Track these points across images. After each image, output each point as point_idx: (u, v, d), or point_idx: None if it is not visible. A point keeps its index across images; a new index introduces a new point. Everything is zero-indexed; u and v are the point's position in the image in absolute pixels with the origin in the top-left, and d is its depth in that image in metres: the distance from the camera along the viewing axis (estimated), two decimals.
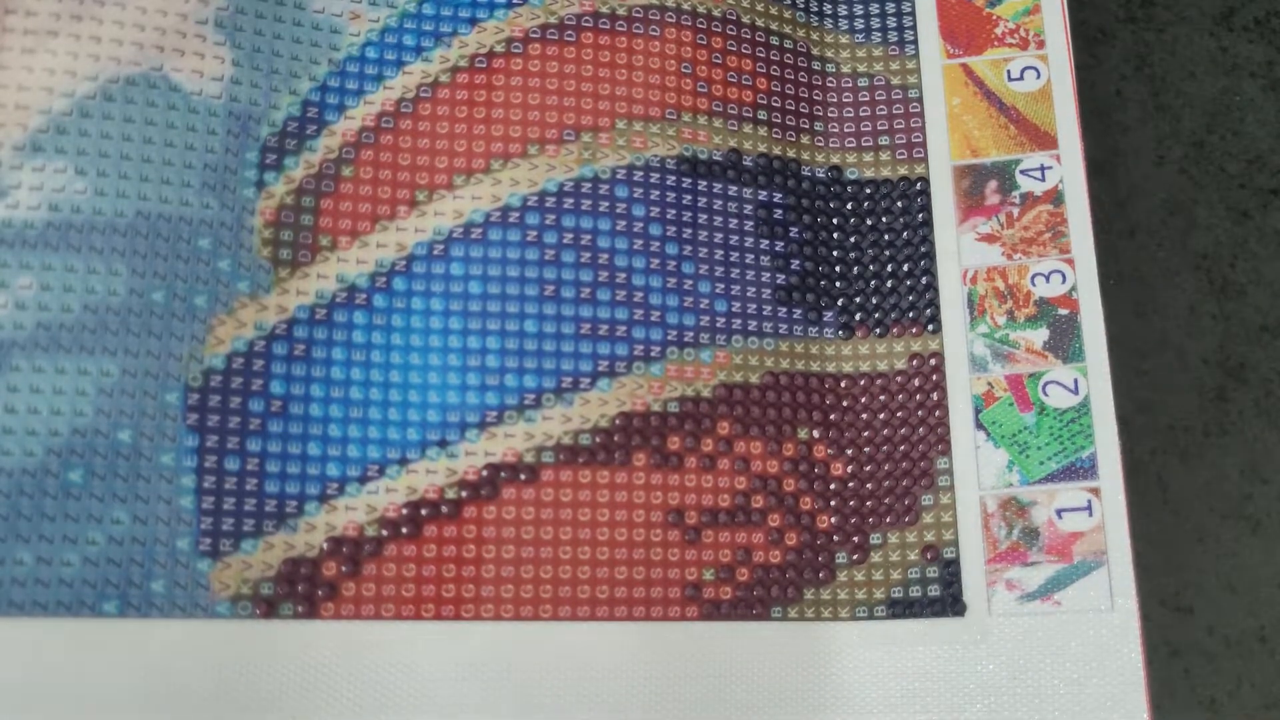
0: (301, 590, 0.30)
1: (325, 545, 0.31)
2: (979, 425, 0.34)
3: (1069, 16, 0.37)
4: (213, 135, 0.32)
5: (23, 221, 0.30)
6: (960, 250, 0.35)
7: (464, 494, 0.32)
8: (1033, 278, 0.35)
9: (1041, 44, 0.37)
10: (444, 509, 0.32)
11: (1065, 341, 0.34)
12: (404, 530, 0.31)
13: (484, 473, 0.32)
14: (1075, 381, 0.34)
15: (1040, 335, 0.34)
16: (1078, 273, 0.35)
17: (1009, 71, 0.37)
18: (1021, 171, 0.36)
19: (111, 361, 0.30)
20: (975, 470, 0.34)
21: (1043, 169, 0.36)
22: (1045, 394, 0.34)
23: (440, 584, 0.31)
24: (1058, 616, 0.32)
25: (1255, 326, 0.39)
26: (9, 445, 0.29)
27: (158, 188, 0.31)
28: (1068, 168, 0.36)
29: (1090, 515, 0.33)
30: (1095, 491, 0.33)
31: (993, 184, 0.36)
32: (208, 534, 0.30)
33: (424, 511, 0.31)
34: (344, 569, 0.31)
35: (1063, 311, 0.35)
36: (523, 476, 0.32)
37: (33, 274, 0.30)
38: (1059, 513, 0.33)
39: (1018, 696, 0.32)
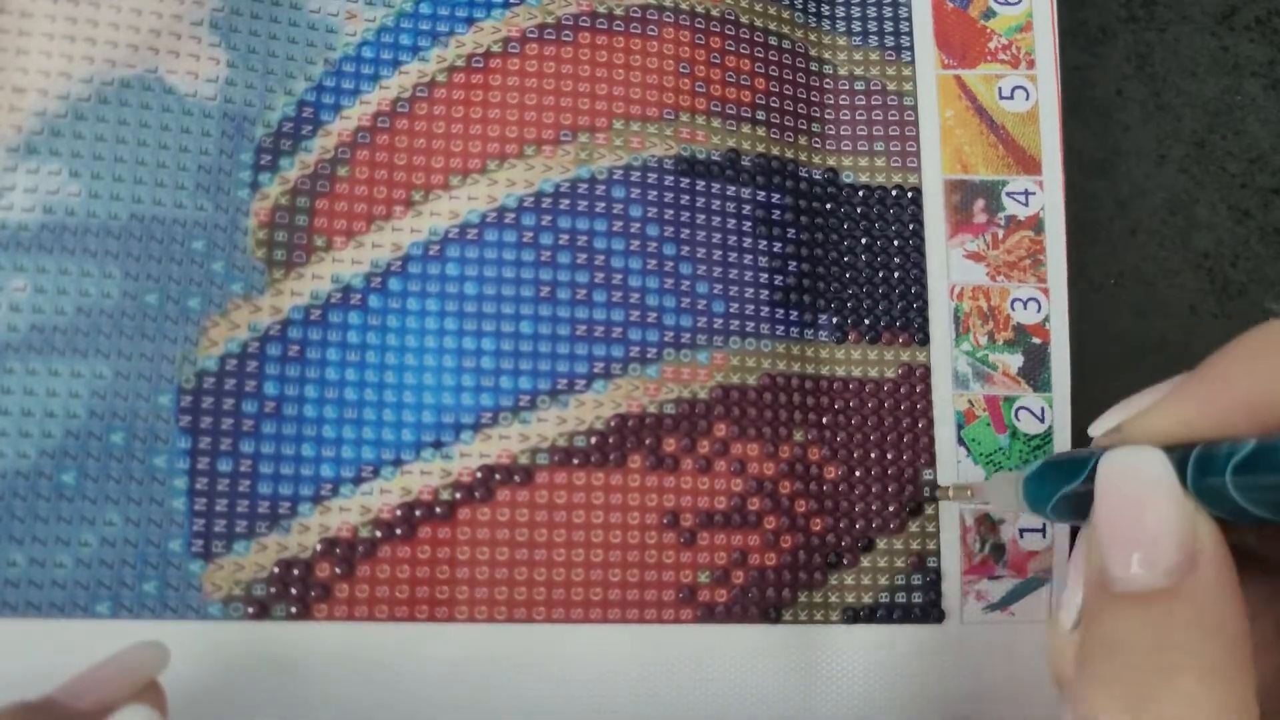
0: (294, 592, 0.30)
1: (318, 546, 0.31)
2: (960, 441, 0.34)
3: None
4: (207, 137, 0.32)
5: (16, 224, 0.30)
6: (949, 265, 0.36)
7: (458, 495, 0.32)
8: (1012, 302, 0.35)
9: (1032, 63, 0.37)
10: (438, 510, 0.32)
11: (1036, 370, 0.35)
12: (398, 531, 0.31)
13: (478, 474, 0.32)
14: (1042, 410, 0.35)
15: (1016, 360, 0.35)
16: (1051, 304, 0.35)
17: (1000, 89, 0.37)
18: (1007, 193, 0.36)
19: (104, 364, 0.30)
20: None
21: (1027, 194, 0.36)
22: (1018, 419, 0.35)
23: (434, 586, 0.31)
24: (1011, 625, 0.33)
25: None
26: (2, 447, 0.29)
27: (152, 190, 0.31)
28: (1049, 196, 0.36)
29: (1044, 537, 0.34)
30: None
31: (980, 202, 0.36)
32: (200, 535, 0.30)
33: (418, 513, 0.31)
34: (337, 570, 0.31)
35: (1036, 340, 0.35)
36: (517, 478, 0.32)
37: (26, 276, 0.30)
38: (1021, 532, 0.34)
39: (986, 701, 0.33)
